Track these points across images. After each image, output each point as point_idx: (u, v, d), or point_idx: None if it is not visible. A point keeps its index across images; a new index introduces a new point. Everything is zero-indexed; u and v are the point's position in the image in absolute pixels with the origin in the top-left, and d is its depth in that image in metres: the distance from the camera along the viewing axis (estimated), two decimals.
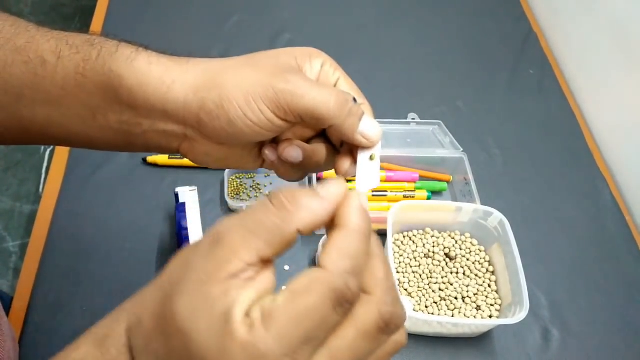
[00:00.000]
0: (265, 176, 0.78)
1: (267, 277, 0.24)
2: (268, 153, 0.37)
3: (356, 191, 0.26)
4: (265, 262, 0.24)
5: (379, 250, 0.26)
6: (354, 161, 0.35)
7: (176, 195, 0.66)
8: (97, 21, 0.95)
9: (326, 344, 0.23)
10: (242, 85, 0.32)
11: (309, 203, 0.24)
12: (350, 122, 0.33)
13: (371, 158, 0.35)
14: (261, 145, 0.37)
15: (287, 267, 0.68)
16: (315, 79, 0.35)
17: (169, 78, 0.33)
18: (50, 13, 2.02)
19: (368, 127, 0.34)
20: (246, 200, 0.74)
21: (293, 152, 0.35)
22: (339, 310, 0.22)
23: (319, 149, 0.36)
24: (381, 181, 0.76)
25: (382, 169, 0.77)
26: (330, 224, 0.25)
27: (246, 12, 0.99)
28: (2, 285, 1.43)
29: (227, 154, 0.36)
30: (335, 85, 0.36)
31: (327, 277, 0.22)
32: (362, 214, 0.25)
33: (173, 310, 0.22)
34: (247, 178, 0.77)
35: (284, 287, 0.23)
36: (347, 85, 0.36)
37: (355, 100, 0.34)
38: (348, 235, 0.24)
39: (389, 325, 0.24)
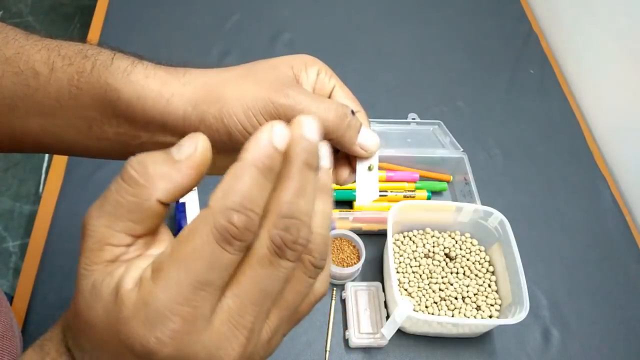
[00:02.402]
0: None
1: (161, 243, 0.24)
2: None
3: (270, 123, 0.23)
4: (150, 234, 0.24)
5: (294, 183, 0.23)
6: (352, 169, 0.36)
7: None
8: (97, 21, 0.95)
9: (230, 286, 0.22)
10: (241, 99, 0.32)
11: (162, 171, 0.23)
12: (348, 135, 0.34)
13: (369, 168, 0.36)
14: None
15: None
16: (311, 88, 0.35)
17: (168, 91, 0.32)
18: (49, 13, 2.02)
19: (366, 138, 0.34)
20: None
21: None
22: (229, 248, 0.21)
23: None
24: (381, 181, 0.76)
25: (382, 169, 0.77)
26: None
27: (246, 12, 0.99)
28: (2, 285, 1.42)
29: (227, 163, 0.36)
30: (330, 93, 0.36)
31: (208, 215, 0.21)
32: (257, 146, 0.22)
33: (76, 308, 0.23)
34: None
35: None
36: (342, 93, 0.36)
37: (353, 112, 0.34)
38: (237, 169, 0.22)
39: (281, 247, 0.22)
